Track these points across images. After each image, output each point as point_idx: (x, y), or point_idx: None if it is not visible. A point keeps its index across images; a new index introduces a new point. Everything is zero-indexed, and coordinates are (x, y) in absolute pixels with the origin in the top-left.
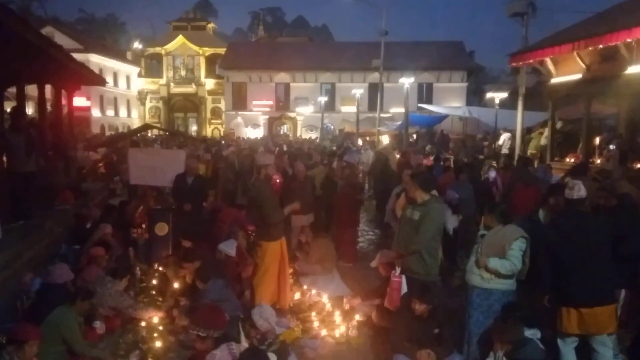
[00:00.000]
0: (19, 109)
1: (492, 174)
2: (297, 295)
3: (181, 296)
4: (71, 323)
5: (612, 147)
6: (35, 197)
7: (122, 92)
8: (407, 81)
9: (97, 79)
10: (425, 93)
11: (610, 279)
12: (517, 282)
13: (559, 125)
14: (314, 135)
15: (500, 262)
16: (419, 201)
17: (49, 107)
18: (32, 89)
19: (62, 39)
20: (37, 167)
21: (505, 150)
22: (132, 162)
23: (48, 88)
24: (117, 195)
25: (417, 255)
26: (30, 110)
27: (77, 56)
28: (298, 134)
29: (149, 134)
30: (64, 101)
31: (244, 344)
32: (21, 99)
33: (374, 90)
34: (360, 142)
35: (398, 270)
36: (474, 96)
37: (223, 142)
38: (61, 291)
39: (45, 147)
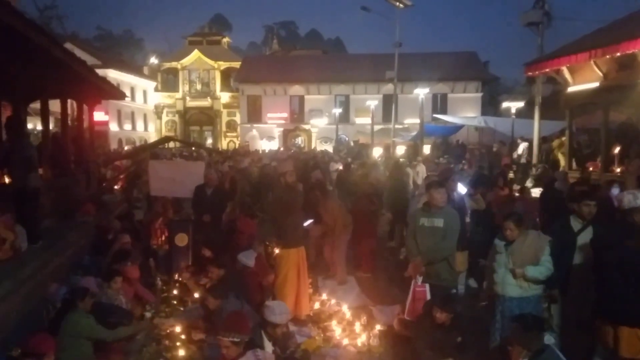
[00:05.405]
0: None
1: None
2: (316, 305)
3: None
4: (86, 322)
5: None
6: (55, 211)
7: (139, 107)
8: (421, 92)
9: (117, 93)
10: (440, 104)
11: None
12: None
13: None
14: (328, 147)
15: (537, 269)
16: (438, 207)
17: (69, 122)
18: (52, 104)
19: (80, 55)
20: (34, 183)
21: (523, 160)
22: (152, 173)
23: (69, 102)
24: (138, 207)
25: (445, 262)
26: (51, 124)
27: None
28: (313, 146)
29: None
30: (84, 115)
31: (268, 349)
32: (45, 113)
33: (389, 102)
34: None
35: (419, 279)
36: (489, 106)
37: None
38: None
39: (69, 159)
